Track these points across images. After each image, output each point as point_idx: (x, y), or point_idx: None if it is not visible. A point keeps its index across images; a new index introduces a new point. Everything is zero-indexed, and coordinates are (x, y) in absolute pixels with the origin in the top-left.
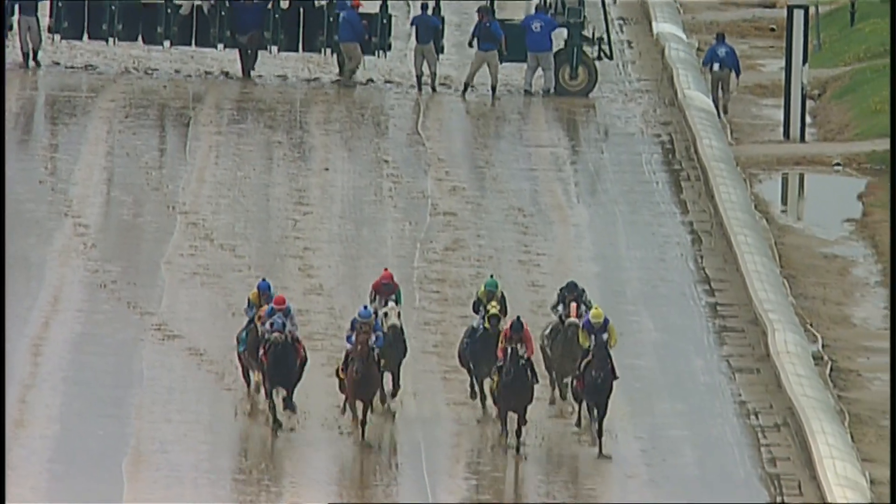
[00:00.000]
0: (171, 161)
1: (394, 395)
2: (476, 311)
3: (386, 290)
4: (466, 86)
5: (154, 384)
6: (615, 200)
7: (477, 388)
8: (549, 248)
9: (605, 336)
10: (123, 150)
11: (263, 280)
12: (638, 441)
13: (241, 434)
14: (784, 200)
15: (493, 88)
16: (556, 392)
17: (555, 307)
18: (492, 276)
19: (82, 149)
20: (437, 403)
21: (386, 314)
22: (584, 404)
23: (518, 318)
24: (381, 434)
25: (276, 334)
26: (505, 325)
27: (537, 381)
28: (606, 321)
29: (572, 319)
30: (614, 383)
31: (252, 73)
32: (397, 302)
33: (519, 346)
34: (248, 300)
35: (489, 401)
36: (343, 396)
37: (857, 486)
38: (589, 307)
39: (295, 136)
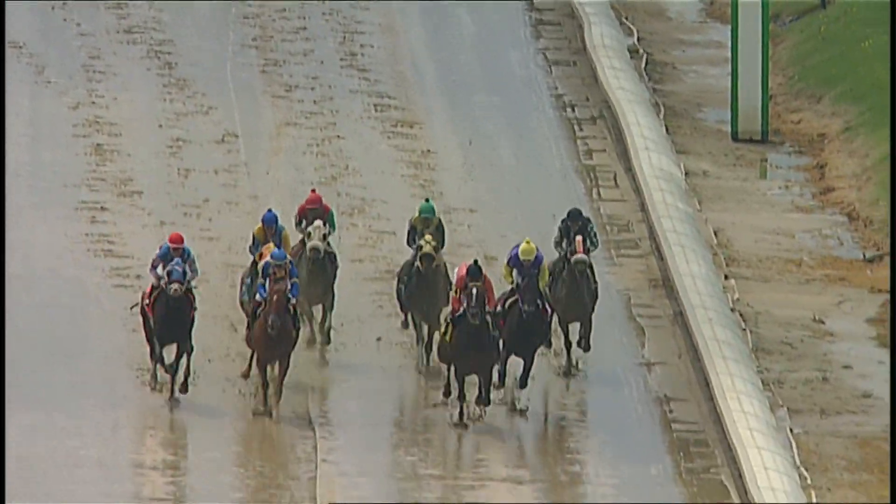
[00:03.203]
0: None
1: (327, 329)
2: (410, 242)
3: (313, 215)
4: None
5: None
6: None
7: (415, 333)
8: None
9: (535, 273)
10: None
11: (269, 210)
12: (455, 135)
13: None
14: None
15: None
16: (562, 341)
17: (558, 243)
18: (427, 200)
19: None
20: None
21: (309, 234)
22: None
23: (475, 261)
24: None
25: (174, 285)
26: (461, 270)
27: (499, 338)
28: (539, 258)
29: (580, 255)
30: (544, 329)
31: None
32: (331, 226)
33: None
34: (253, 236)
35: (435, 355)
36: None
37: (672, 178)
38: (595, 241)
39: None
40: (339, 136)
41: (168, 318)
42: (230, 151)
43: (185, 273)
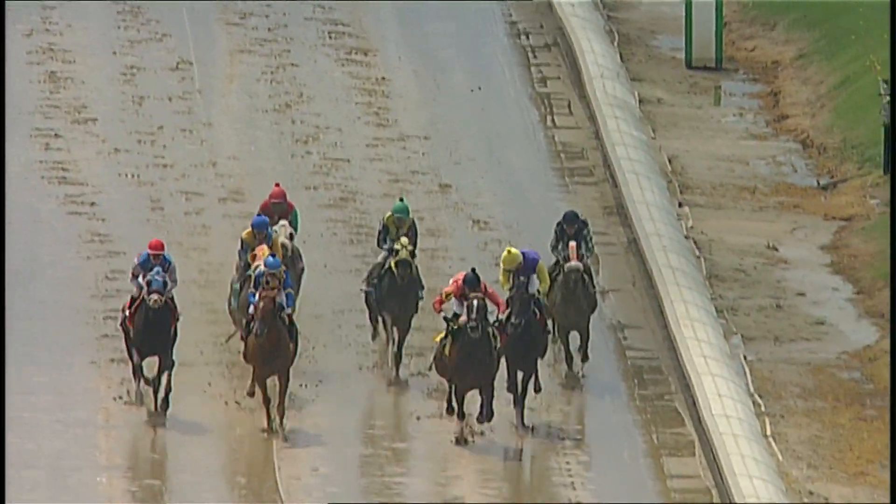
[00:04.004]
0: None
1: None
2: (381, 244)
3: (277, 210)
4: None
5: None
6: None
7: (386, 341)
8: None
9: (533, 278)
10: None
11: (259, 215)
12: (409, 63)
13: None
14: None
15: None
16: (563, 351)
17: (554, 247)
18: (401, 199)
19: None
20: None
21: (275, 231)
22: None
23: (473, 270)
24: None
25: (154, 296)
26: (454, 276)
27: (497, 348)
28: (531, 260)
29: (573, 264)
30: (543, 339)
31: None
32: (294, 227)
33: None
34: (241, 241)
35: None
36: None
37: (626, 105)
38: (590, 246)
39: None
40: (293, 64)
41: (149, 330)
42: (184, 79)
43: (165, 283)
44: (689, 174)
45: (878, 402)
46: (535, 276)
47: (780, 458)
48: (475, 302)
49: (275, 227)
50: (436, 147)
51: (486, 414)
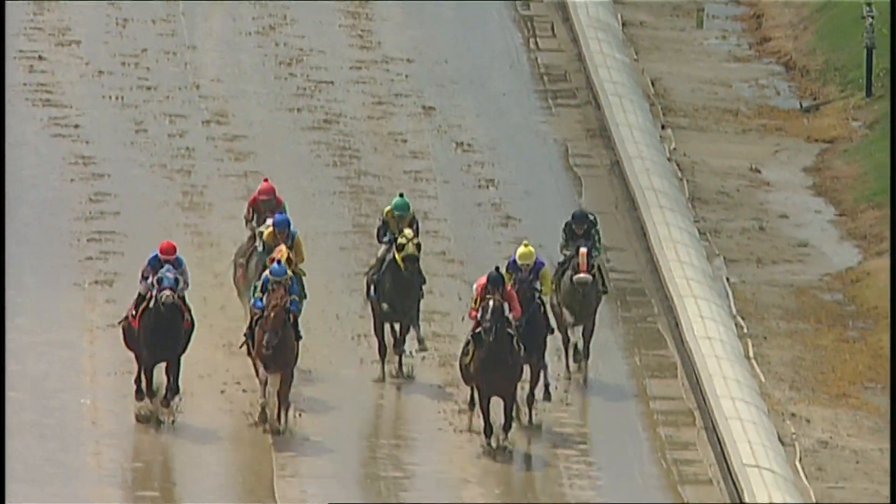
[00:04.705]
0: None
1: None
2: (381, 239)
3: (266, 207)
4: None
5: None
6: None
7: (388, 342)
8: None
9: (535, 283)
10: None
11: (280, 212)
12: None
13: None
14: None
15: None
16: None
17: (563, 248)
18: (401, 195)
19: None
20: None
21: (261, 233)
22: None
23: (497, 268)
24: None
25: (166, 292)
26: (479, 280)
27: (523, 353)
28: (539, 264)
29: (582, 277)
30: (547, 339)
31: None
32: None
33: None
34: (263, 242)
35: (467, 386)
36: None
37: (609, 28)
38: (599, 246)
39: None
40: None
41: (158, 331)
42: (168, 1)
43: (176, 280)
44: (672, 96)
45: (860, 324)
46: (536, 279)
47: (763, 379)
48: (490, 303)
49: (260, 229)
50: (419, 69)
51: (507, 424)
